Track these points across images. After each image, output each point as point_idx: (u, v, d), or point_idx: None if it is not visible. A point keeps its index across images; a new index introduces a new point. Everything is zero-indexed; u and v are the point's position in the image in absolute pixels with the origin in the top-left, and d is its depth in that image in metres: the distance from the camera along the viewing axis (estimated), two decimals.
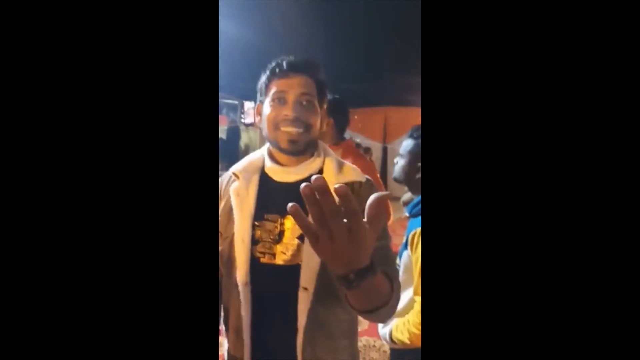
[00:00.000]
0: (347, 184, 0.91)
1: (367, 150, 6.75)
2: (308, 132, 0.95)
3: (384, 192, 0.51)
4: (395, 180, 1.40)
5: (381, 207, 0.49)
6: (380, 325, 1.33)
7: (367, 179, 0.98)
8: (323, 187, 0.45)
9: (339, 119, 2.04)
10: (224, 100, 6.72)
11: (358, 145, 5.69)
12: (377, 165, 7.60)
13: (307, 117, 0.94)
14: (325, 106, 1.00)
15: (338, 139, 2.04)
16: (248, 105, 6.45)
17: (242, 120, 6.61)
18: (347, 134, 2.23)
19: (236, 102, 6.54)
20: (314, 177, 0.45)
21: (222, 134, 6.69)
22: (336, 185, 0.46)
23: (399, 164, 1.37)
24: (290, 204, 0.46)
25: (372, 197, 0.49)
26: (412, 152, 1.33)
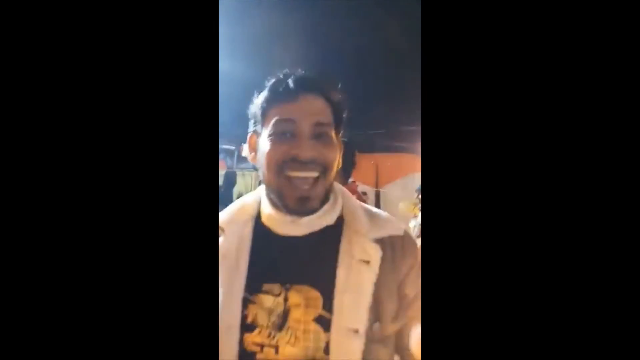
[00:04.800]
0: (383, 239, 0.71)
1: (364, 194, 6.87)
2: (325, 176, 0.68)
3: None
4: None
5: None
6: None
7: (405, 232, 0.75)
8: None
9: (346, 162, 2.01)
10: (222, 145, 6.77)
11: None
12: None
13: (324, 156, 0.67)
14: (341, 135, 0.74)
15: (343, 182, 2.01)
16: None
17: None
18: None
19: (233, 147, 6.59)
20: None
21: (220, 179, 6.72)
22: None
23: None
24: None
25: None
26: None
